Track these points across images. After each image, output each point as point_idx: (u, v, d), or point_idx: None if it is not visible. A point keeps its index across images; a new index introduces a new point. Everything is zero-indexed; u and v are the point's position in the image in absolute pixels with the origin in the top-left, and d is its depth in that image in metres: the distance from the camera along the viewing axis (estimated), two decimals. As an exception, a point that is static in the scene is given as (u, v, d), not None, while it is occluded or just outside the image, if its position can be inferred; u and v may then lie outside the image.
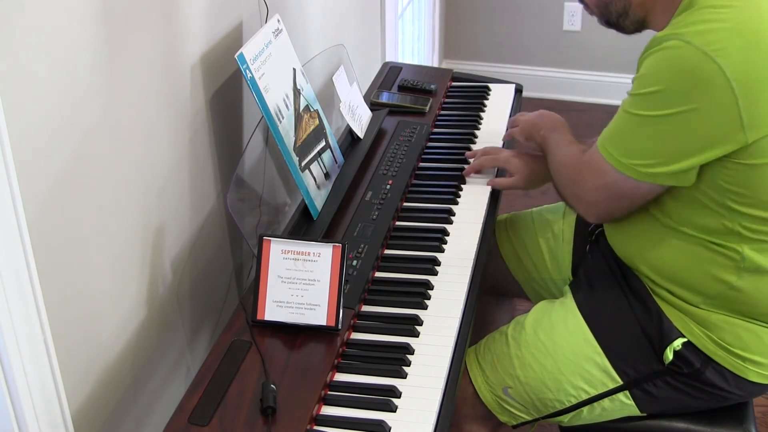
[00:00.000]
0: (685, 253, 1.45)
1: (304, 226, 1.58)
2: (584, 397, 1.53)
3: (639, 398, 1.52)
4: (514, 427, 1.63)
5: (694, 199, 1.41)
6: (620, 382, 1.51)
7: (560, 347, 1.53)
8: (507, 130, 1.92)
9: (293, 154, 1.56)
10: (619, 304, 1.54)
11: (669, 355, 1.47)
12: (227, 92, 1.66)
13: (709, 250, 1.43)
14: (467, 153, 1.88)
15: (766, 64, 1.30)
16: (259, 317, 1.35)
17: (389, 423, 1.22)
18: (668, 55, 1.33)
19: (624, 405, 1.53)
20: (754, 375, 1.48)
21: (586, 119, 3.67)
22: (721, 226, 1.40)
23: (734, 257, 1.42)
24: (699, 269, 1.44)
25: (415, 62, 3.65)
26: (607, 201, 1.48)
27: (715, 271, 1.43)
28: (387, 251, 1.60)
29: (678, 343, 1.47)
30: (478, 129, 2.05)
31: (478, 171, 1.82)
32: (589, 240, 1.73)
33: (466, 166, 1.87)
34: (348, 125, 1.85)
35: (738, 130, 1.31)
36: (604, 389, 1.52)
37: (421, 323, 1.42)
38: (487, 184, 1.79)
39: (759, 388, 1.52)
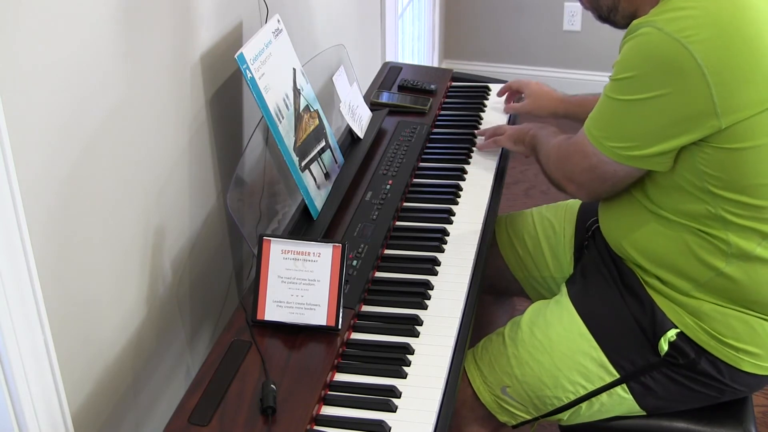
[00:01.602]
0: (671, 238, 1.46)
1: (304, 226, 1.58)
2: (582, 392, 1.53)
3: (637, 392, 1.52)
4: (514, 427, 1.63)
5: (676, 185, 1.43)
6: (617, 375, 1.51)
7: (556, 343, 1.53)
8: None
9: (293, 154, 1.56)
10: (612, 297, 1.54)
11: (664, 346, 1.48)
12: (227, 92, 1.66)
13: (695, 236, 1.44)
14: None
15: (738, 52, 1.32)
16: (259, 317, 1.35)
17: (389, 423, 1.22)
18: (641, 41, 1.36)
19: (622, 399, 1.53)
20: (748, 365, 1.48)
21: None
22: (705, 212, 1.42)
23: (720, 244, 1.43)
24: (687, 254, 1.45)
25: (415, 62, 3.65)
26: (592, 182, 1.51)
27: (703, 256, 1.44)
28: (387, 251, 1.60)
29: (672, 334, 1.48)
30: (478, 129, 2.05)
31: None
32: (586, 236, 1.73)
33: (466, 167, 1.88)
34: (348, 125, 1.85)
35: (711, 115, 1.33)
36: (602, 383, 1.52)
37: (421, 323, 1.42)
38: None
39: (756, 381, 1.52)
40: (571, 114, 2.00)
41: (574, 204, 1.86)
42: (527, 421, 1.61)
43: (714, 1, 1.33)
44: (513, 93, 2.14)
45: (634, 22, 1.40)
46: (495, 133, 1.92)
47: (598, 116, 1.47)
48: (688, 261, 1.45)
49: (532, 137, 1.75)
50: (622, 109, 1.41)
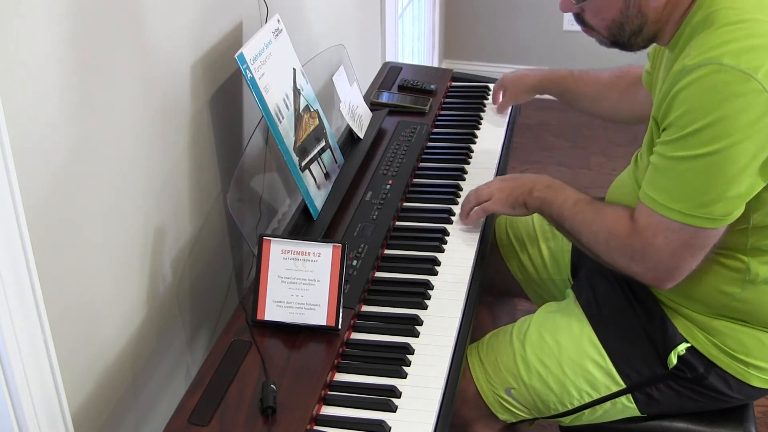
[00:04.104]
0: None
1: (304, 226, 1.58)
2: (587, 399, 1.52)
3: (641, 401, 1.52)
4: (513, 424, 1.63)
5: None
6: (623, 385, 1.51)
7: (565, 350, 1.53)
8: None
9: (293, 154, 1.56)
10: (623, 308, 1.53)
11: (673, 359, 1.47)
12: (227, 92, 1.66)
13: (716, 264, 1.41)
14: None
15: None
16: (259, 317, 1.35)
17: (389, 423, 1.22)
18: (707, 83, 1.24)
19: (625, 407, 1.53)
20: (757, 380, 1.48)
21: (585, 119, 3.66)
22: (735, 243, 1.37)
23: (741, 272, 1.40)
24: (705, 284, 1.42)
25: (415, 62, 3.65)
26: (689, 259, 1.34)
27: (720, 286, 1.41)
28: (387, 251, 1.60)
29: (682, 348, 1.47)
30: (478, 129, 2.06)
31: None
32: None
33: (466, 167, 1.88)
34: (348, 125, 1.85)
35: None
36: (608, 392, 1.51)
37: (421, 323, 1.42)
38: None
39: (760, 393, 1.52)
40: (551, 92, 1.99)
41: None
42: (527, 420, 1.61)
43: (764, 24, 1.27)
44: (498, 94, 2.12)
45: (687, 62, 1.27)
46: (478, 199, 1.63)
47: (674, 186, 1.30)
48: (705, 290, 1.42)
49: (542, 200, 1.53)
50: (710, 165, 1.25)
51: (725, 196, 1.27)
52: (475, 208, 1.64)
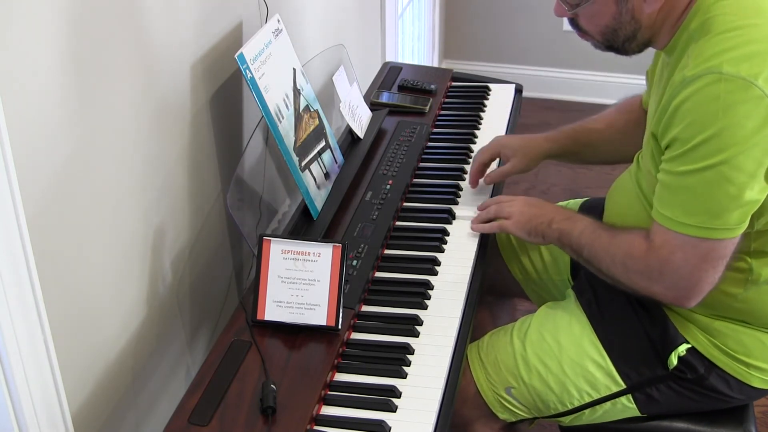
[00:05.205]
0: None
1: (304, 226, 1.58)
2: (587, 400, 1.52)
3: (640, 401, 1.52)
4: (512, 423, 1.63)
5: None
6: (623, 386, 1.51)
7: (565, 350, 1.53)
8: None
9: (293, 154, 1.56)
10: (624, 308, 1.53)
11: (673, 360, 1.47)
12: (227, 92, 1.66)
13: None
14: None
15: None
16: (259, 317, 1.35)
17: (389, 423, 1.22)
18: (708, 93, 1.24)
19: (625, 407, 1.53)
20: (758, 381, 1.48)
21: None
22: (739, 245, 1.36)
23: (743, 273, 1.41)
24: None
25: (415, 62, 3.65)
26: (710, 272, 1.33)
27: (723, 287, 1.40)
28: (387, 251, 1.60)
29: (682, 349, 1.47)
30: (478, 129, 2.06)
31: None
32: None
33: (466, 167, 1.88)
34: (348, 125, 1.85)
35: None
36: (608, 393, 1.51)
37: (421, 323, 1.42)
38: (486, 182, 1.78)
39: (761, 393, 1.52)
40: (567, 152, 1.82)
41: (573, 205, 1.86)
42: (526, 419, 1.61)
43: (761, 29, 1.26)
44: (486, 164, 1.80)
45: (686, 73, 1.27)
46: (498, 214, 1.62)
47: (684, 201, 1.29)
48: (709, 293, 1.41)
49: (560, 232, 1.51)
50: (717, 176, 1.24)
51: (738, 204, 1.27)
52: (493, 223, 1.62)
